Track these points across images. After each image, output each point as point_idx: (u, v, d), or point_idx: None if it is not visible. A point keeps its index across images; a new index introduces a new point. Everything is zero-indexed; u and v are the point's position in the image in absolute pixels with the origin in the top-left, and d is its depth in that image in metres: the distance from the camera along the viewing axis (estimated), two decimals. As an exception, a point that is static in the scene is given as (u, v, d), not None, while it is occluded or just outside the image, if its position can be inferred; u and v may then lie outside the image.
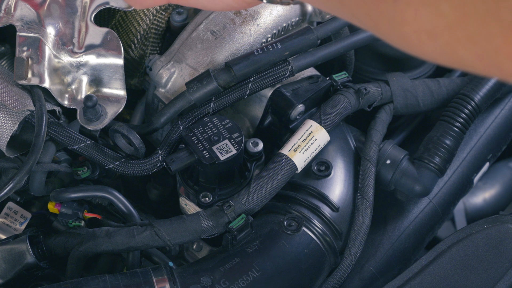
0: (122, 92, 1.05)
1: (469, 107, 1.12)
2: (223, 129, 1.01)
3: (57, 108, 1.03)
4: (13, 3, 1.03)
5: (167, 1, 0.83)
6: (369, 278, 1.12)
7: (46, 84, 1.00)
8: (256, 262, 0.96)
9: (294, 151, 1.03)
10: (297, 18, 1.18)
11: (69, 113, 1.07)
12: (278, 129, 1.10)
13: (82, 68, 1.04)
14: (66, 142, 1.01)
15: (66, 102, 1.03)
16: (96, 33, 1.05)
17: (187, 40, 1.12)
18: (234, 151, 0.99)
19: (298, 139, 1.04)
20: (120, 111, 1.04)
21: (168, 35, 1.20)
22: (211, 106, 1.05)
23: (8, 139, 0.98)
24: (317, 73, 1.18)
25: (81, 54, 1.04)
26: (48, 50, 1.01)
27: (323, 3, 0.64)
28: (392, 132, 1.29)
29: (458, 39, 0.50)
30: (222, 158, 0.98)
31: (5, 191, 0.95)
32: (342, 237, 1.05)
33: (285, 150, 1.03)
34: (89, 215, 1.06)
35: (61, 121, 1.05)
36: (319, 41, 1.11)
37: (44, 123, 0.97)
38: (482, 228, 0.99)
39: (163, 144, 1.03)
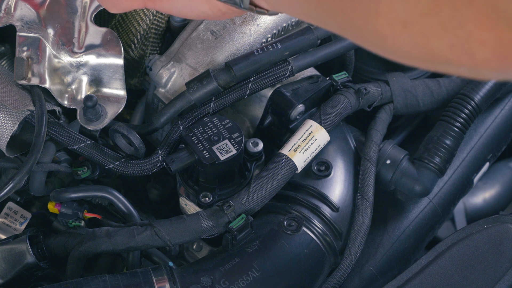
0: (122, 92, 1.05)
1: (469, 107, 1.12)
2: (223, 129, 1.01)
3: (57, 108, 1.03)
4: (13, 3, 1.03)
5: (143, 5, 0.82)
6: (369, 278, 1.12)
7: (46, 84, 1.00)
8: (256, 262, 0.96)
9: (294, 151, 1.03)
10: (297, 18, 1.18)
11: (69, 113, 1.07)
12: (278, 129, 1.10)
13: (82, 68, 1.04)
14: (66, 142, 1.01)
15: (66, 102, 1.03)
16: (96, 33, 1.05)
17: (187, 40, 1.12)
18: (234, 151, 0.99)
19: (298, 139, 1.04)
20: (120, 111, 1.04)
21: (168, 35, 1.20)
22: (211, 106, 1.05)
23: (8, 139, 0.98)
24: (317, 73, 1.18)
25: (81, 54, 1.04)
26: (48, 50, 1.01)
27: (299, 9, 0.64)
28: (392, 132, 1.29)
29: (431, 27, 0.50)
30: (222, 158, 0.98)
31: (5, 191, 0.95)
32: (342, 237, 1.05)
33: (285, 150, 1.03)
34: (89, 215, 1.06)
35: (61, 121, 1.05)
36: (319, 41, 1.11)
37: (44, 123, 0.97)
38: (482, 228, 0.99)
39: (163, 144, 1.03)
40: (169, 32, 1.20)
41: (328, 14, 0.59)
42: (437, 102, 1.17)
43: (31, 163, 0.96)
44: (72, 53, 1.04)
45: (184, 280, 0.94)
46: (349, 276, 1.04)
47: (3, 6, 1.03)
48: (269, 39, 1.15)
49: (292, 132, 1.07)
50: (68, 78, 1.04)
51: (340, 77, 1.12)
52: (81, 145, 1.02)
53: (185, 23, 1.17)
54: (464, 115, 1.12)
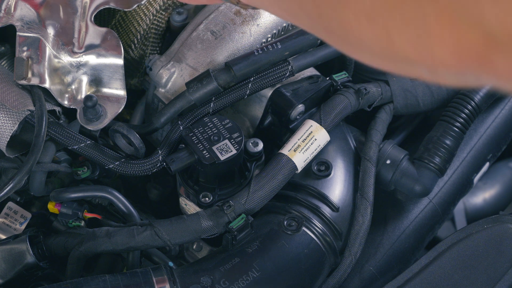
0: (122, 92, 1.05)
1: (469, 107, 1.12)
2: (223, 129, 1.01)
3: (57, 108, 1.03)
4: (13, 3, 1.03)
5: None
6: (369, 278, 1.12)
7: (46, 84, 1.00)
8: (256, 262, 0.96)
9: (294, 151, 1.03)
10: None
11: (69, 113, 1.07)
12: (278, 129, 1.10)
13: (82, 68, 1.04)
14: (66, 142, 1.01)
15: (66, 102, 1.03)
16: (96, 33, 1.05)
17: (187, 40, 1.12)
18: (234, 151, 0.99)
19: (298, 139, 1.04)
20: (120, 111, 1.04)
21: (168, 35, 1.20)
22: (211, 106, 1.05)
23: (8, 139, 0.98)
24: (317, 73, 1.18)
25: (81, 54, 1.04)
26: (48, 50, 1.01)
27: (274, 3, 0.64)
28: (392, 132, 1.29)
29: (395, 22, 0.49)
30: (222, 158, 0.98)
31: (5, 191, 0.95)
32: (342, 237, 1.05)
33: (285, 150, 1.03)
34: (89, 215, 1.06)
35: (61, 121, 1.05)
36: (319, 41, 1.11)
37: (44, 123, 0.97)
38: (482, 228, 0.99)
39: (163, 144, 1.03)
40: (169, 32, 1.20)
41: (299, 4, 0.59)
42: (437, 102, 1.17)
43: (31, 163, 0.96)
44: (72, 53, 1.04)
45: (184, 280, 0.94)
46: (349, 276, 1.04)
47: (3, 6, 1.03)
48: (269, 39, 1.15)
49: (292, 132, 1.07)
50: (68, 78, 1.04)
51: (340, 77, 1.12)
52: (81, 145, 1.02)
53: (185, 23, 1.17)
54: (464, 115, 1.12)
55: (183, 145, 1.01)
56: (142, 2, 1.07)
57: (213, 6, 1.14)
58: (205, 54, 1.10)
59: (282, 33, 1.17)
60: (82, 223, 1.06)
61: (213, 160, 0.98)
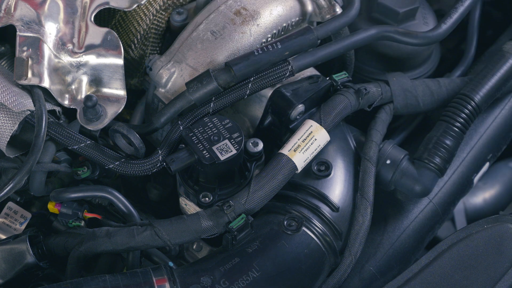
0: (122, 92, 1.05)
1: (469, 107, 1.12)
2: (223, 129, 1.01)
3: (57, 108, 1.03)
4: (13, 3, 1.03)
5: None
6: (369, 278, 1.12)
7: (46, 84, 1.00)
8: (256, 262, 0.96)
9: (294, 151, 1.03)
10: (297, 18, 1.18)
11: (69, 113, 1.07)
12: (278, 129, 1.10)
13: (82, 68, 1.04)
14: (66, 142, 1.01)
15: (66, 102, 1.03)
16: (96, 33, 1.05)
17: (187, 40, 1.12)
18: (234, 151, 0.99)
19: (298, 139, 1.04)
20: (120, 111, 1.04)
21: (168, 35, 1.20)
22: (211, 106, 1.05)
23: (8, 139, 0.98)
24: (317, 73, 1.18)
25: (81, 54, 1.04)
26: (48, 50, 1.01)
27: None
28: (392, 132, 1.29)
29: None
30: (222, 158, 0.98)
31: (5, 191, 0.95)
32: (342, 237, 1.05)
33: (285, 150, 1.03)
34: (89, 215, 1.06)
35: (61, 121, 1.05)
36: (319, 41, 1.11)
37: (44, 123, 0.97)
38: (482, 228, 0.99)
39: (163, 144, 1.03)
40: (169, 32, 1.20)
41: None
42: (437, 102, 1.17)
43: (31, 163, 0.96)
44: (72, 53, 1.04)
45: (184, 280, 0.94)
46: (349, 276, 1.04)
47: (3, 6, 1.03)
48: (269, 39, 1.15)
49: (292, 132, 1.07)
50: (68, 78, 1.04)
51: (340, 77, 1.12)
52: (81, 145, 1.02)
53: (185, 23, 1.17)
54: (464, 115, 1.12)
55: (183, 145, 1.01)
56: (142, 2, 1.07)
57: (213, 6, 1.14)
58: (205, 54, 1.10)
59: (282, 33, 1.17)
60: (82, 223, 1.06)
61: (213, 160, 0.98)
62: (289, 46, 1.07)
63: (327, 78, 1.12)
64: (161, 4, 1.16)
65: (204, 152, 0.98)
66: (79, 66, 1.04)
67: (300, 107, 1.08)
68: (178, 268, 0.98)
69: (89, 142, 1.02)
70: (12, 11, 1.02)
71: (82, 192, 1.04)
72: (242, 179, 1.04)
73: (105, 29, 1.05)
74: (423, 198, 1.17)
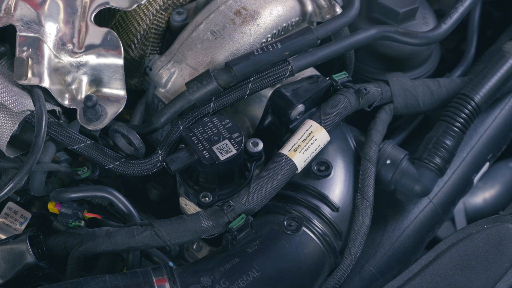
0: (122, 92, 1.05)
1: (469, 107, 1.12)
2: (223, 129, 1.01)
3: (57, 108, 1.03)
4: (13, 3, 1.03)
5: None
6: (369, 278, 1.12)
7: (46, 84, 1.00)
8: (256, 262, 0.96)
9: (294, 151, 1.03)
10: (297, 18, 1.18)
11: (69, 113, 1.07)
12: (278, 129, 1.11)
13: (82, 68, 1.04)
14: (66, 142, 1.01)
15: (66, 102, 1.03)
16: (96, 33, 1.05)
17: (187, 40, 1.12)
18: (234, 151, 0.99)
19: (298, 139, 1.04)
20: (120, 111, 1.04)
21: (168, 35, 1.20)
22: (211, 106, 1.05)
23: (8, 139, 0.98)
24: (317, 73, 1.18)
25: (81, 54, 1.04)
26: (48, 50, 1.01)
27: None
28: (392, 132, 1.29)
29: None
30: (222, 158, 0.98)
31: (5, 191, 0.95)
32: (342, 237, 1.05)
33: (285, 150, 1.03)
34: (89, 215, 1.06)
35: (61, 121, 1.05)
36: (319, 41, 1.11)
37: (44, 123, 0.97)
38: (482, 228, 0.99)
39: (163, 144, 1.03)
40: (169, 32, 1.20)
41: None
42: (437, 102, 1.17)
43: (31, 163, 0.96)
44: (72, 53, 1.04)
45: (184, 280, 0.94)
46: (349, 276, 1.04)
47: (3, 6, 1.03)
48: (269, 39, 1.15)
49: (292, 132, 1.07)
50: (68, 78, 1.04)
51: (340, 77, 1.12)
52: (81, 145, 1.02)
53: (185, 23, 1.17)
54: (464, 115, 1.12)
55: (183, 145, 1.01)
56: (142, 2, 1.07)
57: (213, 6, 1.14)
58: (205, 54, 1.10)
59: (282, 33, 1.17)
60: (82, 223, 1.06)
61: (213, 160, 0.98)
62: (289, 46, 1.07)
63: (327, 78, 1.13)
64: (161, 4, 1.16)
65: (204, 152, 0.98)
66: (79, 66, 1.04)
67: (300, 107, 1.08)
68: (178, 268, 0.98)
69: (89, 142, 1.02)
70: (12, 11, 1.02)
71: (82, 192, 1.04)
72: (242, 179, 1.04)
73: (105, 29, 1.05)
74: (423, 198, 1.17)
